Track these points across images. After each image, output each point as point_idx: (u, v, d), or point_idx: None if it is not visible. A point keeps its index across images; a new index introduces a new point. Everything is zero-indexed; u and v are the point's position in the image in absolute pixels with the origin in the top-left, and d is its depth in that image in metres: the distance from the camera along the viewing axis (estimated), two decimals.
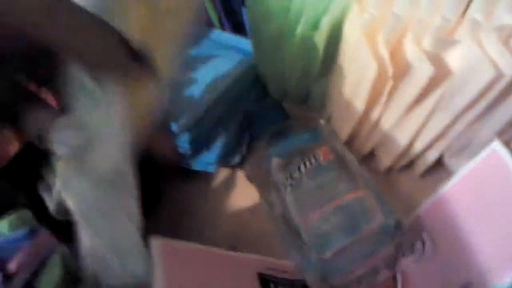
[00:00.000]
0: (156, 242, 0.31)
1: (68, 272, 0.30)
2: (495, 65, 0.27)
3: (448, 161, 0.40)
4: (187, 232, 0.41)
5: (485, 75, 0.27)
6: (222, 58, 0.51)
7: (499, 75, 0.26)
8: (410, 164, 0.41)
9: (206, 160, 0.45)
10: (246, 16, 0.43)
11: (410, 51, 0.30)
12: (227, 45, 0.52)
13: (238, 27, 0.52)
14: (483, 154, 0.35)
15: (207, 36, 0.54)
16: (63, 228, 0.28)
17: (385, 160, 0.41)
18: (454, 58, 0.29)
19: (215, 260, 0.36)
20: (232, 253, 0.38)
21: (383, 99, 0.33)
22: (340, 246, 0.33)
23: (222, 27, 0.54)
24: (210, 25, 0.55)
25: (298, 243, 0.35)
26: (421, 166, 0.40)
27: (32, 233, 0.29)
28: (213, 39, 0.53)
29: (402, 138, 0.37)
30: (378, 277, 0.38)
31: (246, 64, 0.48)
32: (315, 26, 0.37)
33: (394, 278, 0.38)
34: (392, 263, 0.38)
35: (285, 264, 0.39)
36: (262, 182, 0.40)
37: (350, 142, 0.43)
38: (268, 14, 0.39)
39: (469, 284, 0.33)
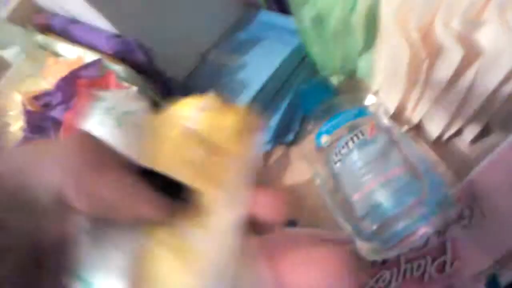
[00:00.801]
0: None
1: None
2: None
3: (496, 129, 0.40)
4: None
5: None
6: (271, 40, 0.53)
7: None
8: (459, 133, 0.42)
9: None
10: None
11: (441, 33, 0.30)
12: (276, 26, 0.54)
13: (284, 8, 0.53)
14: None
15: (256, 18, 0.56)
16: None
17: (433, 130, 0.42)
18: (483, 38, 0.29)
19: (273, 236, 0.40)
20: (288, 229, 0.42)
21: (422, 77, 0.34)
22: (388, 217, 0.35)
23: (270, 8, 0.55)
24: (257, 6, 0.56)
25: (349, 215, 0.38)
26: (469, 135, 0.41)
27: None
28: (261, 20, 0.56)
29: (446, 110, 0.38)
30: (428, 244, 0.40)
31: (294, 44, 0.50)
32: (352, 8, 0.38)
33: (443, 244, 0.39)
34: (441, 230, 0.40)
35: (339, 235, 0.41)
36: (313, 158, 0.42)
37: (398, 114, 0.44)
38: None
39: None
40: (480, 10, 0.30)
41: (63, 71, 0.44)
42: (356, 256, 0.37)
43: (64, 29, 0.49)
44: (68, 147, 0.16)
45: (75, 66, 0.44)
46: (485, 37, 0.29)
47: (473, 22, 0.29)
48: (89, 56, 0.46)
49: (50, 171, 0.15)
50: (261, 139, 0.22)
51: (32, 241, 0.18)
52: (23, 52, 0.49)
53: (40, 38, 0.50)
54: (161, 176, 0.18)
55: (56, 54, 0.50)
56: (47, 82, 0.47)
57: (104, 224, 0.17)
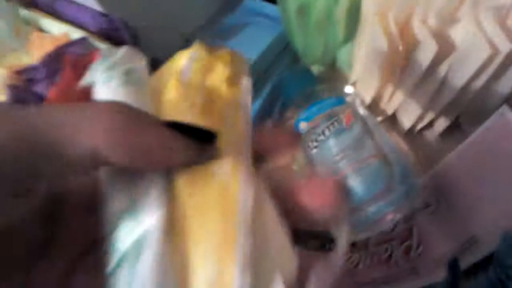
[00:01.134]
0: None
1: None
2: (491, 43, 0.29)
3: (465, 123, 0.42)
4: None
5: (483, 52, 0.29)
6: (255, 27, 0.54)
7: (494, 53, 0.29)
8: (430, 126, 0.44)
9: None
10: None
11: (417, 28, 0.32)
12: (260, 13, 0.55)
13: None
14: (493, 118, 0.37)
15: (241, 5, 0.57)
16: None
17: (406, 122, 0.44)
18: (457, 35, 0.31)
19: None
20: None
21: (398, 70, 0.36)
22: (359, 202, 0.37)
23: None
24: None
25: None
26: (439, 127, 0.43)
27: None
28: (246, 7, 0.57)
29: (419, 102, 0.40)
30: (396, 229, 0.42)
31: (278, 32, 0.52)
32: (336, 0, 0.40)
33: (410, 229, 0.41)
34: (409, 216, 0.42)
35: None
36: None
37: (374, 104, 0.46)
38: None
39: (474, 237, 0.37)
40: (455, 8, 0.31)
41: (48, 47, 0.44)
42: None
43: (50, 5, 0.50)
44: (106, 108, 0.17)
45: (60, 43, 0.44)
46: (459, 34, 0.31)
47: (448, 19, 0.31)
48: (75, 34, 0.46)
49: (88, 130, 0.16)
50: (250, 82, 0.23)
51: (60, 192, 0.20)
52: (7, 27, 0.49)
53: (25, 13, 0.50)
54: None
55: (41, 30, 0.50)
56: (31, 57, 0.48)
57: (135, 175, 0.18)
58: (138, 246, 0.17)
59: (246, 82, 0.22)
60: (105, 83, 0.20)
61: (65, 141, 0.16)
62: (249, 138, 0.21)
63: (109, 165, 0.17)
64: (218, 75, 0.21)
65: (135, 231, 0.17)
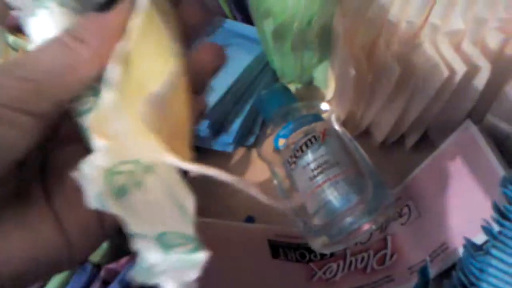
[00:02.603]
0: None
1: None
2: (448, 66, 0.31)
3: (433, 137, 0.45)
4: (208, 208, 0.48)
5: (441, 74, 0.32)
6: (235, 47, 0.56)
7: (452, 74, 0.31)
8: (401, 140, 0.47)
9: (225, 141, 0.52)
10: (251, 11, 0.48)
11: (382, 52, 0.35)
12: (240, 34, 0.57)
13: (249, 18, 0.56)
14: (458, 132, 0.40)
15: (222, 26, 0.59)
16: None
17: (378, 136, 0.46)
18: (418, 58, 0.34)
19: (230, 232, 0.43)
20: (245, 224, 0.45)
21: (367, 90, 0.39)
22: (336, 214, 0.39)
23: (235, 18, 0.59)
24: (224, 15, 0.60)
25: (301, 213, 0.41)
26: (410, 141, 0.45)
27: None
28: (227, 28, 0.59)
29: (389, 118, 0.43)
30: (371, 239, 0.44)
31: (257, 52, 0.54)
32: (309, 23, 0.42)
33: (384, 239, 0.44)
34: (382, 226, 0.45)
35: (292, 231, 0.45)
36: (271, 160, 0.45)
37: (348, 120, 0.48)
38: (268, 12, 0.45)
39: (444, 244, 0.39)
40: (415, 34, 0.34)
41: None
42: None
43: None
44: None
45: None
46: (420, 57, 0.34)
47: (410, 44, 0.34)
48: None
49: None
50: None
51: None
52: None
53: (12, 39, 0.52)
54: None
55: None
56: None
57: None
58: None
59: None
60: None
61: None
62: None
63: None
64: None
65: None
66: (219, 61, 0.25)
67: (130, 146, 0.19)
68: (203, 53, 0.25)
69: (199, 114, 0.26)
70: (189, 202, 0.20)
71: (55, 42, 0.20)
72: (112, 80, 0.19)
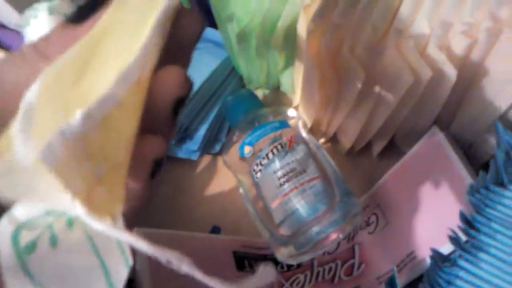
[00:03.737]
0: (139, 232, 0.37)
1: None
2: (413, 71, 0.31)
3: (400, 144, 0.44)
4: (173, 217, 0.47)
5: (406, 80, 0.31)
6: (202, 51, 0.55)
7: (417, 80, 0.31)
8: (368, 147, 0.46)
9: (189, 149, 0.50)
10: (214, 15, 0.46)
11: (346, 57, 0.34)
12: (206, 39, 0.56)
13: (214, 22, 0.55)
14: (424, 138, 0.39)
15: None
16: None
17: (345, 143, 0.46)
18: (383, 63, 0.33)
19: (195, 244, 0.41)
20: (210, 236, 0.44)
21: (333, 96, 0.38)
22: (303, 223, 0.38)
23: None
24: None
25: (267, 222, 0.40)
26: (377, 148, 0.45)
27: None
28: None
29: (356, 125, 0.42)
30: (338, 248, 0.43)
31: (223, 57, 0.52)
32: (272, 29, 0.41)
33: (352, 248, 0.43)
34: (350, 235, 0.44)
35: (258, 241, 0.44)
36: (237, 168, 0.44)
37: (315, 127, 0.47)
38: (231, 16, 0.43)
39: (412, 253, 0.39)
40: (380, 38, 0.33)
41: None
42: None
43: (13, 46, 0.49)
44: None
45: None
46: (385, 62, 0.33)
47: (374, 49, 0.33)
48: None
49: None
50: None
51: None
52: None
53: None
54: None
55: None
56: None
57: None
58: None
59: None
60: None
61: None
62: None
63: None
64: None
65: None
66: (197, 25, 0.23)
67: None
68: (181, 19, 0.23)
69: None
70: (121, 270, 0.16)
71: (17, 55, 0.19)
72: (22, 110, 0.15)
